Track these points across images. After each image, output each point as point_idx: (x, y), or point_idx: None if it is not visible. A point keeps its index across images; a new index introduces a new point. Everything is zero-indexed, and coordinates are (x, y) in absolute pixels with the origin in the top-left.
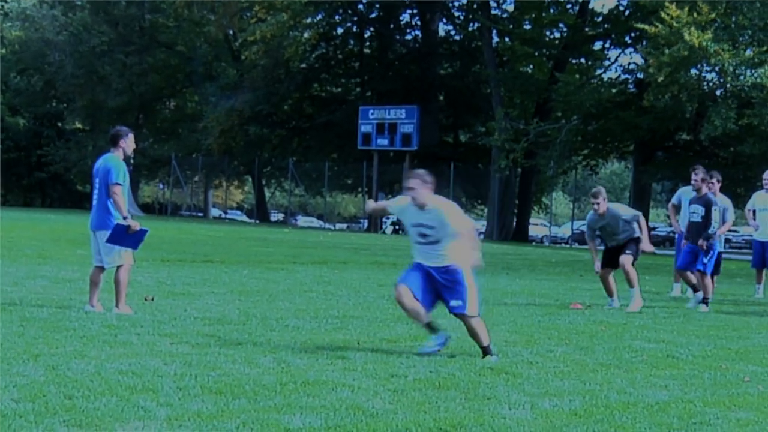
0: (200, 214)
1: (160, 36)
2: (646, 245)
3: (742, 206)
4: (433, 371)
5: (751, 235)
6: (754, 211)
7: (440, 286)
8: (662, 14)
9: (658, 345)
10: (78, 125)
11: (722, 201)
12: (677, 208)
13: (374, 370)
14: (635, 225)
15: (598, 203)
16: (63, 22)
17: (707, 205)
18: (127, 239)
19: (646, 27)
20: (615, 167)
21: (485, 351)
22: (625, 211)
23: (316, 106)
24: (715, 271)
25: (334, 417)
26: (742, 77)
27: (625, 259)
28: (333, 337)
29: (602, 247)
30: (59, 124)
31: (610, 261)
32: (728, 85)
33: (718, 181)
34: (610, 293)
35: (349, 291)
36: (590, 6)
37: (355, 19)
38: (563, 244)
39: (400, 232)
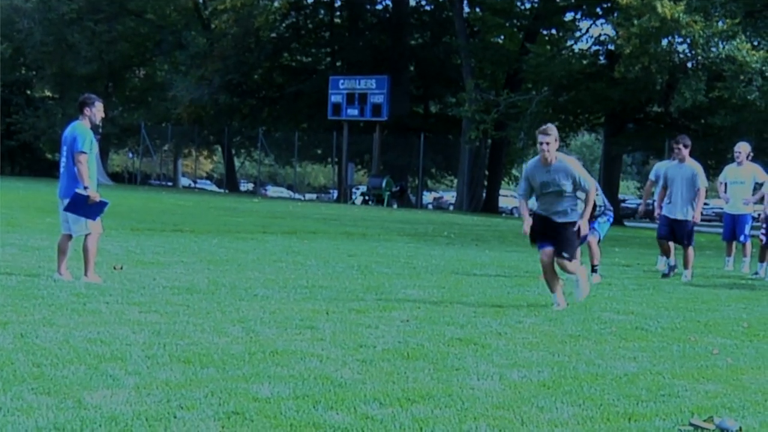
0: (170, 184)
1: (130, 4)
2: (583, 226)
3: (713, 179)
4: (402, 342)
5: (722, 208)
6: (725, 184)
7: None
8: None
9: (627, 317)
10: (47, 93)
11: (693, 166)
12: (654, 184)
13: (343, 340)
14: (579, 202)
15: (548, 143)
16: None
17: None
18: (86, 209)
19: None
20: (586, 139)
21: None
22: (579, 170)
23: (286, 75)
24: (689, 241)
25: (303, 387)
26: (714, 49)
27: (564, 264)
28: (302, 307)
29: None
30: (28, 92)
31: (540, 235)
32: (699, 57)
33: (685, 146)
34: (551, 287)
35: (318, 261)
36: None
37: None
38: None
39: (370, 202)
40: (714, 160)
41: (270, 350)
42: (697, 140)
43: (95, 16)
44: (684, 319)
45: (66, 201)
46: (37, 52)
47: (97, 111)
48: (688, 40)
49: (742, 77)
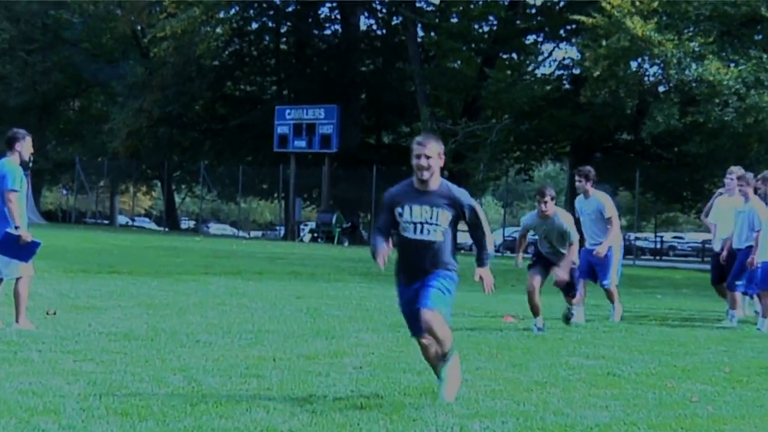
0: (106, 222)
1: (65, 33)
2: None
3: (687, 211)
4: (355, 391)
5: (706, 243)
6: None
7: None
8: (603, 3)
9: (597, 361)
10: None
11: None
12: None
13: (291, 390)
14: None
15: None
16: None
17: None
18: (17, 250)
19: (584, 18)
20: (549, 169)
21: None
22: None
23: (229, 106)
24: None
25: None
26: (687, 70)
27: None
28: (247, 354)
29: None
30: None
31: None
32: (673, 80)
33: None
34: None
35: (264, 303)
36: None
37: (271, 13)
38: (494, 253)
39: (319, 240)
40: (689, 190)
41: (213, 401)
42: (670, 169)
43: (28, 46)
44: (659, 363)
45: None
46: None
47: (27, 146)
48: (659, 61)
49: (717, 100)
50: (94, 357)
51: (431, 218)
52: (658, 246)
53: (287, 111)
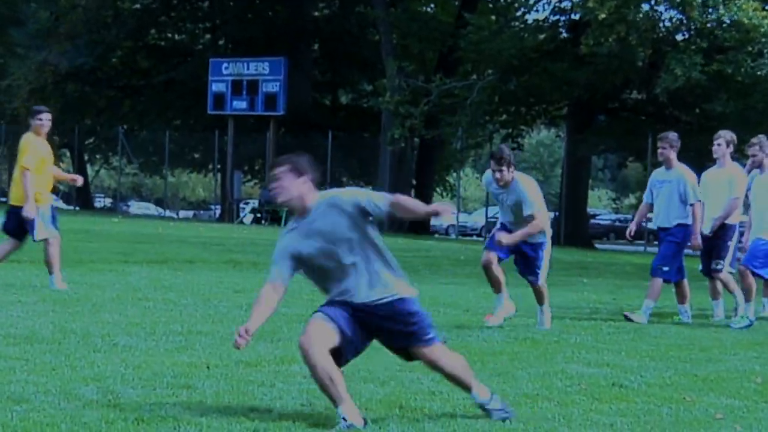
0: (3, 200)
1: None
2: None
3: None
4: (305, 404)
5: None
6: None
7: None
8: None
9: (600, 370)
10: None
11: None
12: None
13: (229, 403)
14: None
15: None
16: None
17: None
18: None
19: None
20: (543, 136)
21: None
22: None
23: (153, 58)
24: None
25: None
26: (712, 12)
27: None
28: (175, 360)
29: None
30: None
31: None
32: (696, 23)
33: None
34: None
35: (196, 299)
36: None
37: None
38: (475, 237)
39: (263, 221)
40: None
41: (134, 417)
42: (690, 135)
43: None
44: (676, 372)
45: None
46: None
47: None
48: (679, 0)
49: (750, 48)
50: None
51: None
52: None
53: (224, 65)
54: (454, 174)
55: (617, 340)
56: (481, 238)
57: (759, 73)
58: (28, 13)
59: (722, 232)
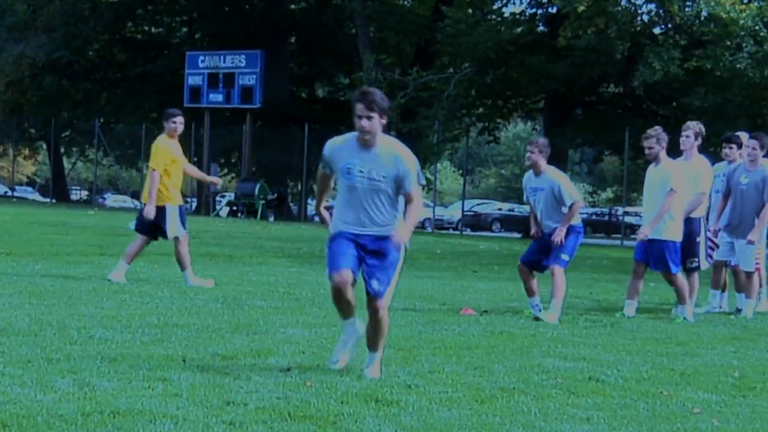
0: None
1: None
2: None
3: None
4: (282, 398)
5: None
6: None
7: None
8: None
9: (577, 364)
10: None
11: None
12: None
13: (204, 396)
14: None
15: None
16: None
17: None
18: None
19: None
20: (519, 129)
21: None
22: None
23: (130, 51)
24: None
25: None
26: (690, 5)
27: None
28: (151, 353)
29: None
30: None
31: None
32: (677, 17)
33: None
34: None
35: (172, 292)
36: None
37: None
38: (451, 230)
39: (239, 214)
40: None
41: (110, 410)
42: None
43: None
44: (653, 366)
45: None
46: None
47: None
48: None
49: (728, 42)
50: None
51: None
52: None
53: (200, 58)
54: (431, 167)
55: (594, 334)
56: (457, 232)
57: (738, 66)
58: (5, 5)
59: (689, 228)
